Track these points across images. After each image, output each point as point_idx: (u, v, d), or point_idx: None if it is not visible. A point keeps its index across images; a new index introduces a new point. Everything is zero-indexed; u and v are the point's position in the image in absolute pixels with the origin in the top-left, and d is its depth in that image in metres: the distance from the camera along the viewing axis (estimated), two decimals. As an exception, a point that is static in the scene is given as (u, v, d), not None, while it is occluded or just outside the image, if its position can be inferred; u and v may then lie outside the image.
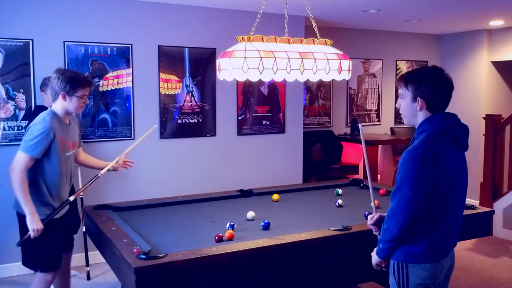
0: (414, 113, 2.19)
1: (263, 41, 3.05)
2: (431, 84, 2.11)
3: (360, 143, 6.26)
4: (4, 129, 4.23)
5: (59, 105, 3.03)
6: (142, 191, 4.77)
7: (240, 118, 5.38)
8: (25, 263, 3.20)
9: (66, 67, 4.46)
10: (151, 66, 4.87)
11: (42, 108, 4.12)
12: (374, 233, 2.39)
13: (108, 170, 3.41)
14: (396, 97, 7.27)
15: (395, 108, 7.32)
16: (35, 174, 2.98)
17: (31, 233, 2.91)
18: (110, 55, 4.67)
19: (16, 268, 4.44)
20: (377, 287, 3.64)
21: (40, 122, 2.95)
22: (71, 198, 3.17)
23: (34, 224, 2.89)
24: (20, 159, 2.89)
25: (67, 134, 3.09)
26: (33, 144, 2.88)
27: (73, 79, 3.00)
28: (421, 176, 2.05)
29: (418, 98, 2.15)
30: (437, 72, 2.16)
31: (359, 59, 6.84)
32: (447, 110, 2.20)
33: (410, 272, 2.16)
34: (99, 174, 3.35)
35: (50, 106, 3.12)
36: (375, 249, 2.31)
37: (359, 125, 2.44)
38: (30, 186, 2.95)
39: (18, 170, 2.87)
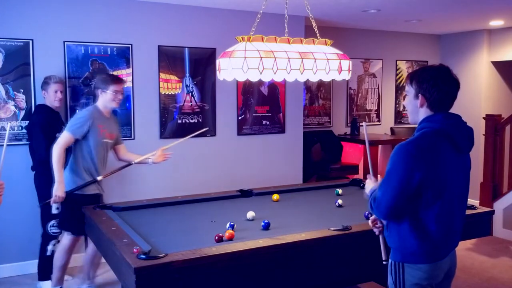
0: (416, 110, 2.19)
1: (263, 41, 3.04)
2: (433, 82, 2.11)
3: (360, 142, 6.28)
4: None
5: (100, 101, 3.71)
6: (142, 191, 4.77)
7: (240, 118, 5.38)
8: (60, 226, 3.94)
9: (66, 67, 4.47)
10: (151, 66, 4.87)
11: (43, 107, 4.13)
12: (376, 233, 2.39)
13: (147, 163, 3.92)
14: (396, 97, 7.28)
15: (395, 108, 7.32)
16: (76, 153, 3.64)
17: (53, 198, 3.52)
18: (110, 55, 4.67)
19: (16, 268, 4.44)
20: (377, 287, 3.64)
21: (83, 111, 3.74)
22: (99, 178, 3.69)
23: (58, 191, 3.51)
24: (62, 136, 3.56)
25: (105, 124, 3.70)
26: (73, 125, 3.57)
27: (105, 78, 3.74)
28: (409, 170, 2.04)
29: (419, 95, 2.15)
30: (441, 70, 2.16)
31: (359, 59, 6.84)
32: (451, 111, 2.19)
33: (406, 272, 2.15)
34: (133, 162, 3.85)
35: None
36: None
37: (364, 123, 2.44)
38: (71, 164, 3.63)
39: (58, 145, 3.52)
